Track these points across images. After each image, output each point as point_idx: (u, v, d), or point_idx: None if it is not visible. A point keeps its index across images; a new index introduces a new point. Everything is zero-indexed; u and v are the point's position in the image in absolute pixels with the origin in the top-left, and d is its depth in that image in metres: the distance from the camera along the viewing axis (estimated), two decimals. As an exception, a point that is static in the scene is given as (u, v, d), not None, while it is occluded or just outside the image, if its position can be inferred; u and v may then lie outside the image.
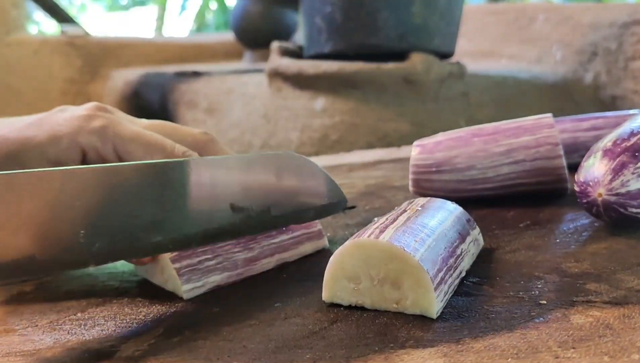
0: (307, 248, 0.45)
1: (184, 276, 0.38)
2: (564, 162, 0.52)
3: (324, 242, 0.46)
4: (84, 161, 0.42)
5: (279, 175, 0.42)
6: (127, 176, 0.35)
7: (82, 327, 0.35)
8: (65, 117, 0.42)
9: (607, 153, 0.44)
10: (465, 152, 0.54)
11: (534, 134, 0.53)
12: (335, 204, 0.46)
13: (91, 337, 0.34)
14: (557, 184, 0.53)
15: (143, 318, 0.36)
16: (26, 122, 0.42)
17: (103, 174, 0.34)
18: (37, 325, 0.36)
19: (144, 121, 0.45)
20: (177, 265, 0.38)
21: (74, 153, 0.41)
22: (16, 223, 0.31)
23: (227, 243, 0.41)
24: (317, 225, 0.46)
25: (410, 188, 0.57)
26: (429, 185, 0.55)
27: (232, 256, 0.41)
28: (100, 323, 0.35)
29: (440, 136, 0.56)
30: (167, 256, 0.38)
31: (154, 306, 0.37)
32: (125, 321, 0.36)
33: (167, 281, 0.39)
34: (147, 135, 0.42)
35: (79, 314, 0.37)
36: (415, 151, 0.56)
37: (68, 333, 0.34)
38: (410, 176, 0.56)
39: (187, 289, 0.38)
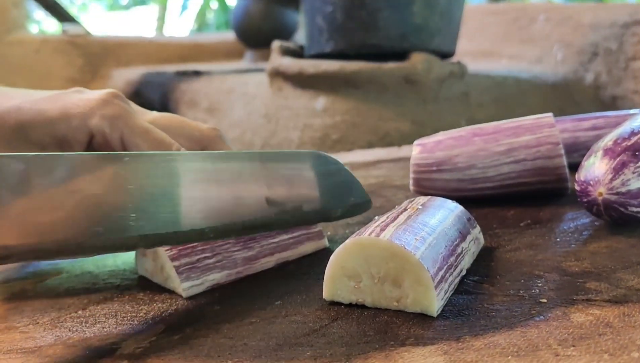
0: (307, 248, 0.45)
1: (182, 274, 0.38)
2: (564, 161, 0.52)
3: (324, 242, 0.46)
4: (89, 144, 0.42)
5: (311, 173, 0.42)
6: (177, 163, 0.36)
7: (83, 324, 0.35)
8: (80, 97, 0.42)
9: (607, 152, 0.44)
10: (465, 151, 0.54)
11: (535, 133, 0.53)
12: (360, 205, 0.46)
13: (92, 335, 0.34)
14: (557, 183, 0.53)
15: (144, 316, 0.36)
16: (41, 96, 0.42)
17: (156, 160, 0.35)
18: (38, 323, 0.36)
19: (154, 113, 0.45)
20: (176, 263, 0.38)
21: (81, 134, 0.41)
22: (72, 204, 0.31)
23: (225, 241, 0.41)
24: (317, 226, 0.46)
25: (411, 187, 0.57)
26: (430, 184, 0.55)
27: (231, 254, 0.41)
28: (101, 321, 0.36)
29: (440, 135, 0.56)
30: (166, 254, 0.39)
31: (154, 305, 0.37)
32: (126, 319, 0.36)
33: (166, 280, 0.40)
34: (156, 132, 0.42)
35: (80, 312, 0.37)
36: (415, 150, 0.56)
37: (69, 330, 0.35)
38: (411, 175, 0.56)
39: (186, 287, 0.38)
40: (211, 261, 0.40)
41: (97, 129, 0.41)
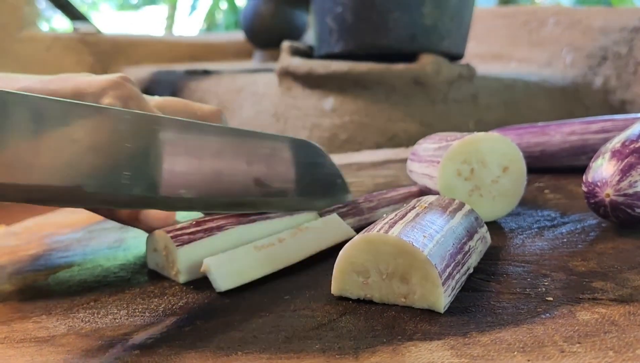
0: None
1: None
2: None
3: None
4: None
5: (299, 160, 0.43)
6: (173, 130, 0.37)
7: (95, 315, 0.36)
8: (91, 78, 0.43)
9: (615, 154, 0.45)
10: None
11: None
12: (341, 198, 0.47)
13: (104, 325, 0.34)
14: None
15: (155, 308, 0.36)
16: (50, 78, 0.43)
17: (154, 122, 0.36)
18: (51, 313, 0.37)
19: (157, 97, 0.46)
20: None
21: None
22: (70, 153, 0.32)
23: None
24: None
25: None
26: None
27: None
28: (113, 312, 0.36)
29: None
30: (177, 249, 0.39)
31: (165, 297, 0.38)
32: (137, 310, 0.36)
33: (177, 274, 0.40)
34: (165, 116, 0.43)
35: (91, 303, 0.38)
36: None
37: (81, 321, 0.35)
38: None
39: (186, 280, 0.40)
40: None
41: (110, 104, 0.41)
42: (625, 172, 0.43)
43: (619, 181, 0.43)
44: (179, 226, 0.41)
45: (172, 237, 0.40)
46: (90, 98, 0.41)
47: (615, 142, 0.46)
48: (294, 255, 0.42)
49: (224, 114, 0.48)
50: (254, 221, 0.43)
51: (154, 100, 0.45)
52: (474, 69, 1.32)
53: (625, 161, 0.44)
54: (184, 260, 0.39)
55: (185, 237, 0.40)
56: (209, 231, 0.41)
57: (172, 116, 0.43)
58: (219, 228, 0.41)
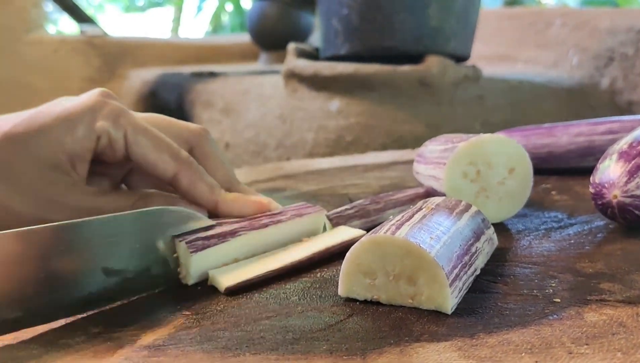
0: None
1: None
2: None
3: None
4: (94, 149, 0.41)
5: (161, 231, 0.39)
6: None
7: (104, 315, 0.36)
8: (74, 104, 0.41)
9: (622, 155, 0.45)
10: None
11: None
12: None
13: (113, 326, 0.34)
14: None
15: (163, 309, 0.37)
16: (30, 113, 0.41)
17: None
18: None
19: (140, 114, 0.45)
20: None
21: (90, 141, 0.41)
22: None
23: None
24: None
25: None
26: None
27: None
28: (121, 313, 0.36)
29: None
30: (188, 251, 0.39)
31: (173, 299, 0.38)
32: (145, 312, 0.36)
33: (185, 276, 0.40)
34: (155, 130, 0.43)
35: (99, 304, 0.38)
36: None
37: (90, 322, 0.35)
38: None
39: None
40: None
41: (102, 131, 0.41)
42: (632, 173, 0.43)
43: (627, 183, 0.43)
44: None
45: (186, 243, 0.39)
46: (83, 127, 0.40)
47: (623, 143, 0.46)
48: (300, 253, 0.42)
49: (210, 134, 0.46)
50: (266, 225, 0.43)
51: (139, 115, 0.44)
52: (480, 70, 1.32)
53: (633, 162, 0.44)
54: (197, 266, 0.39)
55: (199, 243, 0.40)
56: (223, 237, 0.41)
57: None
58: (232, 234, 0.42)
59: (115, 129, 0.41)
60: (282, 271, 0.40)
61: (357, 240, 0.36)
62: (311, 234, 0.46)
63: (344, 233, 0.46)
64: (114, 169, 0.46)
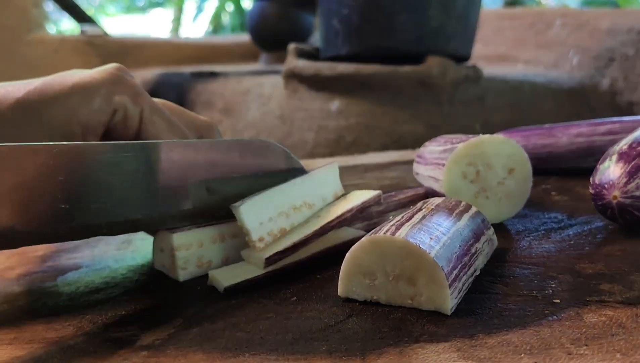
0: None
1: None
2: None
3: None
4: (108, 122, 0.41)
5: (254, 162, 0.44)
6: (106, 154, 0.36)
7: (103, 316, 0.36)
8: (91, 74, 0.40)
9: (622, 156, 0.45)
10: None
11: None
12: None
13: (112, 326, 0.34)
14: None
15: (162, 309, 0.37)
16: (44, 81, 0.40)
17: (82, 151, 0.35)
18: (59, 314, 0.37)
19: (155, 99, 0.44)
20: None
21: (105, 114, 0.40)
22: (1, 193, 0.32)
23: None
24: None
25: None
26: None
27: None
28: (120, 314, 0.36)
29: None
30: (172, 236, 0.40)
31: (172, 299, 0.38)
32: (144, 312, 0.36)
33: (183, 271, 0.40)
34: (169, 114, 0.43)
35: (99, 305, 0.38)
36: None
37: (89, 322, 0.35)
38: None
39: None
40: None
41: (121, 105, 0.40)
42: (632, 174, 0.43)
43: (627, 183, 0.43)
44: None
45: (171, 232, 0.40)
46: (101, 97, 0.39)
47: (623, 144, 0.46)
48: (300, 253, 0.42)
49: (217, 127, 0.47)
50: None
51: (152, 99, 0.44)
52: (481, 70, 1.32)
53: (633, 163, 0.44)
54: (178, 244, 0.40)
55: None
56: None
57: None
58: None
59: (134, 106, 0.41)
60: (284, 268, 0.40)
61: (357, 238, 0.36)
62: (330, 186, 0.47)
63: (358, 198, 0.46)
64: None
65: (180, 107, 0.46)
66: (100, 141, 0.42)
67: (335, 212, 0.44)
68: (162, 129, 0.42)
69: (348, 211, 0.44)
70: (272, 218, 0.42)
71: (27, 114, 0.39)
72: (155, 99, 0.44)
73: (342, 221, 0.43)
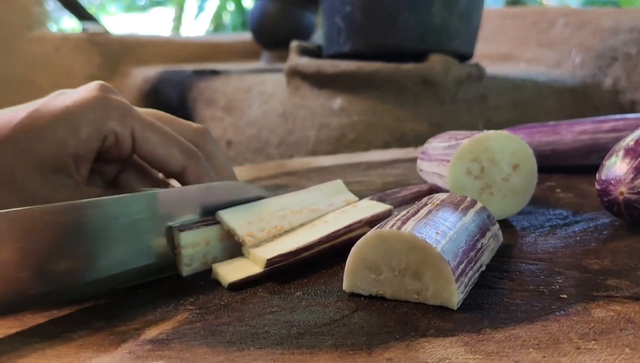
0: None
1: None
2: None
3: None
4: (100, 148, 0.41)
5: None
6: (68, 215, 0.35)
7: (107, 310, 0.36)
8: (74, 101, 0.39)
9: (629, 152, 0.44)
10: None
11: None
12: None
13: (117, 320, 0.34)
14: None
15: (166, 303, 0.36)
16: (26, 113, 0.39)
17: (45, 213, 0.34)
18: (63, 308, 0.36)
19: (141, 109, 0.43)
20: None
21: (95, 141, 0.40)
22: None
23: None
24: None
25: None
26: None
27: None
28: (125, 307, 0.36)
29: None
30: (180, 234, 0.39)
31: (177, 294, 0.38)
32: (149, 306, 0.36)
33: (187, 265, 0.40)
34: (162, 125, 0.42)
35: (103, 298, 0.38)
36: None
37: (94, 316, 0.35)
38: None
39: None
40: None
41: (110, 130, 0.40)
42: (639, 170, 0.43)
43: (633, 179, 0.43)
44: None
45: (180, 230, 0.40)
46: (88, 125, 0.39)
47: (629, 140, 0.46)
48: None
49: (211, 133, 0.46)
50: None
51: (140, 111, 0.43)
52: (484, 68, 1.31)
53: (639, 159, 0.43)
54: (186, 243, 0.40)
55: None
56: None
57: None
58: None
59: (123, 128, 0.40)
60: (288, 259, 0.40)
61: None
62: (336, 195, 0.48)
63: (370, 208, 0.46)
64: (109, 167, 0.45)
65: (171, 116, 0.45)
66: (94, 165, 0.42)
67: (344, 222, 0.43)
68: (157, 144, 0.41)
69: (357, 222, 0.43)
70: (263, 218, 0.42)
71: (16, 152, 0.38)
72: (146, 110, 0.44)
73: (350, 231, 0.43)
